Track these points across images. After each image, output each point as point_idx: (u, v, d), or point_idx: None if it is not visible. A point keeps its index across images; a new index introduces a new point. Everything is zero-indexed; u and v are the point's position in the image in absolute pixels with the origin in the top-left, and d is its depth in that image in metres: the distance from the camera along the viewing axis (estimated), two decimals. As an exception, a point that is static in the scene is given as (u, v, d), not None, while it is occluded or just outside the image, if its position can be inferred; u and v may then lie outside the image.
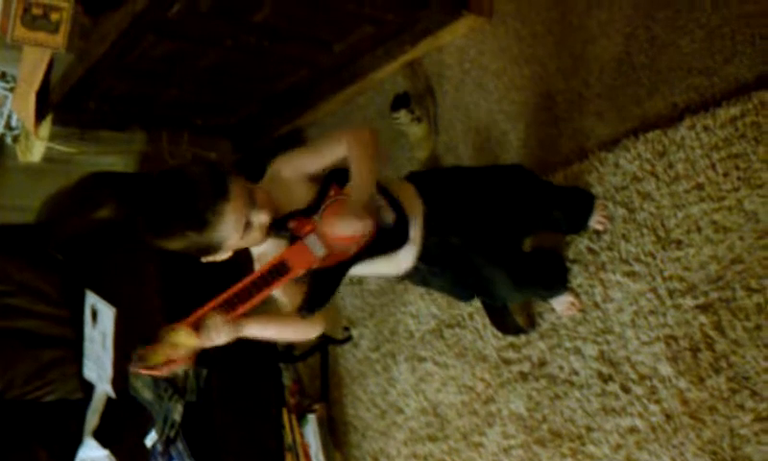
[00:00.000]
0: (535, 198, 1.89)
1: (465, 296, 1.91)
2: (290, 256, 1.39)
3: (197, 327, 1.32)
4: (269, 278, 1.37)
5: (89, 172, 2.92)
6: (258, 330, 1.43)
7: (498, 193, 1.79)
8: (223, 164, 1.44)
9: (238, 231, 1.37)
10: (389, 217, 1.49)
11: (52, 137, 2.54)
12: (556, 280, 2.00)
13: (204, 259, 1.43)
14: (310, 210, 1.44)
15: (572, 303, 2.01)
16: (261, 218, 1.40)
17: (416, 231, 1.56)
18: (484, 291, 1.85)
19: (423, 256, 1.61)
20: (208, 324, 1.32)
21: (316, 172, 1.47)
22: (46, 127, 2.48)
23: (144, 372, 1.31)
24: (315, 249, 1.41)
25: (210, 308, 1.34)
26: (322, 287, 1.47)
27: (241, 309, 1.36)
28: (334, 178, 1.47)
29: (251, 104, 2.74)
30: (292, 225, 1.42)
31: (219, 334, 1.33)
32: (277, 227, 1.43)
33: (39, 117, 2.37)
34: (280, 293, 1.48)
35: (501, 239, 1.80)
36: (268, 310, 1.48)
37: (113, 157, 3.36)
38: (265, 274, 1.37)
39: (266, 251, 1.48)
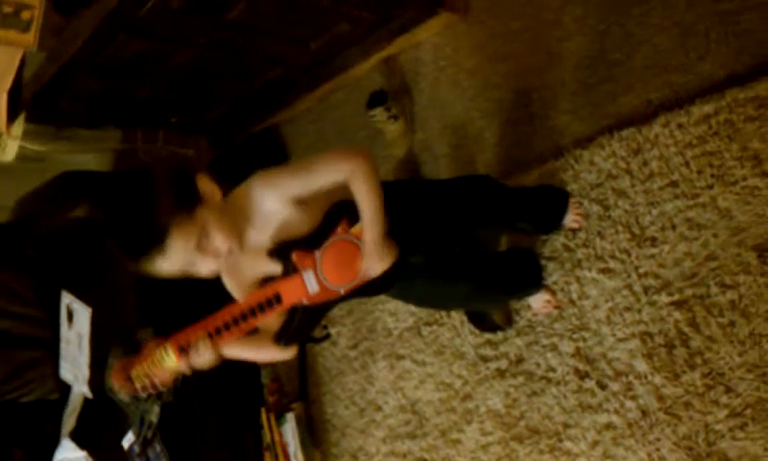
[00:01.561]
0: (499, 211, 1.86)
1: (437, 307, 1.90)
2: (284, 290, 1.37)
3: (182, 349, 1.31)
4: (259, 308, 1.36)
5: (63, 171, 2.89)
6: (236, 353, 1.42)
7: (461, 208, 1.74)
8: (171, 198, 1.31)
9: (177, 271, 1.33)
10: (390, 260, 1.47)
11: (25, 136, 2.50)
12: (528, 282, 2.00)
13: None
14: (311, 242, 1.40)
15: (548, 301, 2.02)
16: (206, 266, 1.35)
17: None
18: (450, 305, 1.83)
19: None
20: (195, 349, 1.31)
21: (304, 196, 1.40)
22: (19, 126, 2.43)
23: (121, 383, 1.30)
24: (310, 285, 1.39)
25: (199, 332, 1.32)
26: (302, 323, 1.46)
27: (227, 337, 1.34)
28: (342, 210, 1.42)
29: (226, 101, 2.71)
30: (295, 257, 1.38)
31: (204, 361, 1.32)
32: (279, 254, 1.39)
33: (12, 116, 2.33)
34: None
35: (464, 255, 1.78)
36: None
37: (88, 156, 3.32)
38: (255, 305, 1.35)
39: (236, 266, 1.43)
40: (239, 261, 1.41)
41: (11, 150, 2.54)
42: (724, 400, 1.73)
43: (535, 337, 2.05)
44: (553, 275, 2.03)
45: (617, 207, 1.95)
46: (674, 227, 1.85)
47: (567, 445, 1.95)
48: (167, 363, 1.30)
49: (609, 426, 1.89)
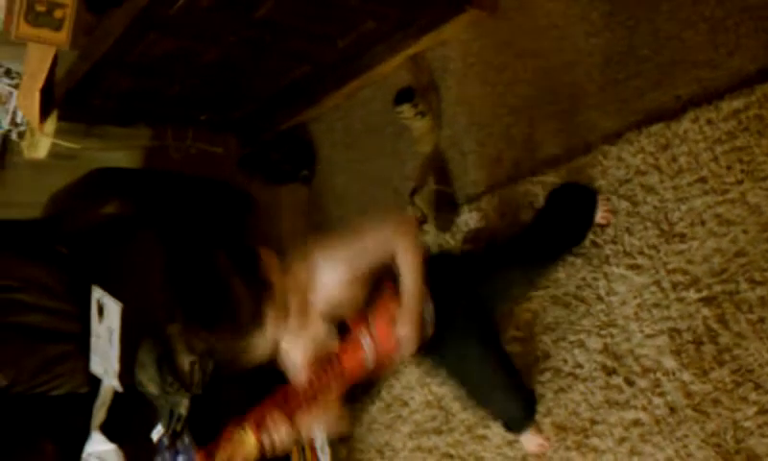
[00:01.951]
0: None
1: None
2: (344, 357, 1.40)
3: (259, 426, 1.32)
4: (330, 379, 1.38)
5: (95, 167, 2.94)
6: (309, 425, 1.41)
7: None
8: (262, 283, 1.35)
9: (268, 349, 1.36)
10: (429, 329, 1.51)
11: (57, 133, 2.55)
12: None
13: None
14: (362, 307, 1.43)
15: (541, 444, 2.02)
16: (290, 348, 1.39)
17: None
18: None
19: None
20: (273, 425, 1.32)
21: (361, 271, 1.43)
22: (51, 123, 2.48)
23: None
24: (368, 352, 1.42)
25: (274, 410, 1.34)
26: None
27: (298, 412, 1.36)
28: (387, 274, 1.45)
29: (255, 99, 2.74)
30: (349, 322, 1.42)
31: (282, 437, 1.33)
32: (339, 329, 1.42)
33: (44, 113, 2.37)
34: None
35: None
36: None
37: (118, 153, 3.37)
38: (324, 374, 1.38)
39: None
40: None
41: (43, 147, 2.58)
42: (753, 396, 1.71)
43: (562, 333, 2.04)
44: (581, 271, 2.02)
45: (646, 203, 1.94)
46: (703, 223, 1.84)
47: (594, 441, 1.95)
48: (247, 445, 1.31)
49: (636, 423, 1.88)
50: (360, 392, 2.45)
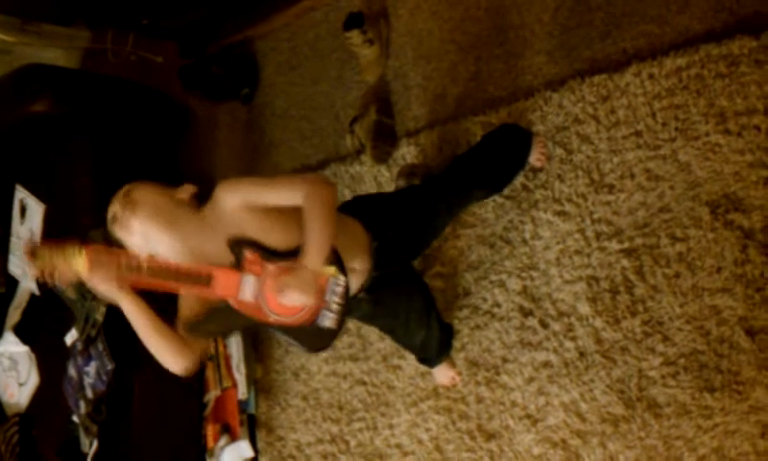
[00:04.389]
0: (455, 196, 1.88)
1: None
2: (219, 277, 1.33)
3: (96, 263, 1.28)
4: (186, 278, 1.32)
5: (29, 63, 2.81)
6: (132, 313, 1.36)
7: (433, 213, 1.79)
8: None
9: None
10: (330, 317, 1.39)
11: (-9, 24, 2.43)
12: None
13: None
14: (273, 255, 1.36)
15: (452, 377, 2.04)
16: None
17: (359, 274, 1.54)
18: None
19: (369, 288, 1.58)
20: (101, 265, 1.28)
21: (270, 205, 1.39)
22: (-17, 12, 2.36)
23: (26, 254, 1.28)
24: (245, 290, 1.34)
25: (121, 258, 1.29)
26: (219, 323, 1.41)
27: (142, 280, 1.30)
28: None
29: (200, 6, 2.64)
30: (248, 255, 1.35)
31: (103, 283, 1.29)
32: (237, 245, 1.36)
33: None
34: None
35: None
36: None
37: (56, 52, 3.24)
38: (185, 272, 1.31)
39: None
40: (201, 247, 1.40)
41: (-26, 36, 2.46)
42: (660, 348, 1.75)
43: (484, 273, 2.05)
44: (509, 213, 2.03)
45: (580, 152, 1.95)
46: (633, 176, 1.85)
47: (504, 378, 1.97)
48: (74, 264, 1.27)
49: (546, 364, 1.91)
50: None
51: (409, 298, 1.76)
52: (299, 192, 1.38)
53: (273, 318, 1.36)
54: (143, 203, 1.36)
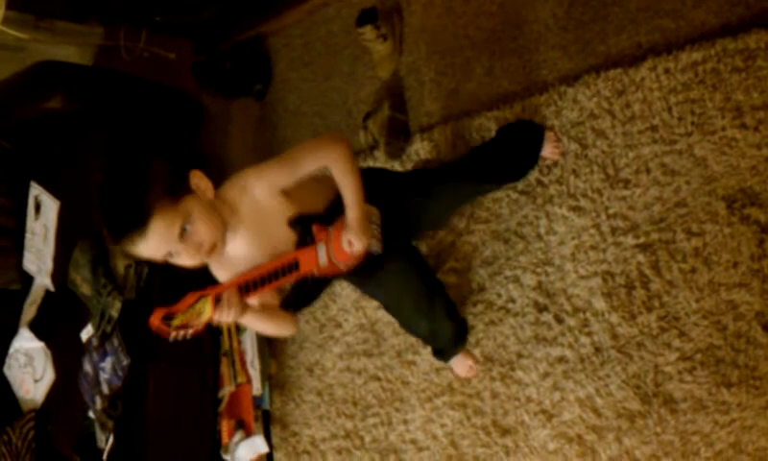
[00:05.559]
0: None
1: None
2: (301, 258, 1.46)
3: (217, 300, 1.36)
4: (282, 272, 1.44)
5: (43, 60, 2.82)
6: (252, 321, 1.50)
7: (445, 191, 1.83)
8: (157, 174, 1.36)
9: (158, 258, 1.36)
10: (376, 244, 1.53)
11: (5, 21, 2.44)
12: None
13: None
14: (323, 219, 1.50)
15: (470, 367, 2.04)
16: (188, 258, 1.37)
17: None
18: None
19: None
20: (226, 301, 1.36)
21: (291, 185, 1.47)
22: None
23: (157, 325, 1.31)
24: (321, 258, 1.49)
25: (232, 288, 1.38)
26: (308, 293, 1.61)
27: (252, 295, 1.42)
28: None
29: (213, 3, 2.64)
30: (315, 230, 1.49)
31: (230, 314, 1.37)
32: (302, 224, 1.48)
33: (-9, -2, 2.26)
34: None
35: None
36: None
37: (69, 49, 3.25)
38: (279, 268, 1.44)
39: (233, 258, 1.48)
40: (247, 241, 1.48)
41: (-11, 34, 2.47)
42: (676, 343, 1.75)
43: (499, 268, 2.05)
44: (524, 208, 2.02)
45: (595, 147, 1.94)
46: (648, 171, 1.85)
47: (519, 374, 1.97)
48: (205, 314, 1.34)
49: (561, 360, 1.91)
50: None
51: (405, 278, 1.78)
52: (322, 160, 1.49)
53: (344, 267, 1.52)
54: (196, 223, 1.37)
